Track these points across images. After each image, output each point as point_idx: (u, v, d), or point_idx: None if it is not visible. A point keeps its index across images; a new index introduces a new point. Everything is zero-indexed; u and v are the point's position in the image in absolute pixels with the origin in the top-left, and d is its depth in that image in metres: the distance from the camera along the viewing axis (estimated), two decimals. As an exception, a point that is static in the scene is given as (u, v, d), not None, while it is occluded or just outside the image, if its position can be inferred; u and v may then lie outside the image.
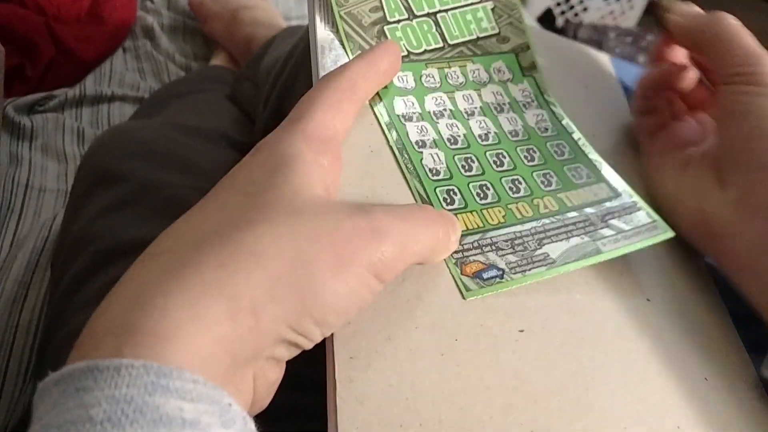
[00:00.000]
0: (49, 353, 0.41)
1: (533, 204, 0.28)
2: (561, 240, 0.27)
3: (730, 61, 0.28)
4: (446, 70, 0.32)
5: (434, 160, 0.28)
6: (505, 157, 0.29)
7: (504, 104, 0.32)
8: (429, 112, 0.30)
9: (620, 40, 1.26)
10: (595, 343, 0.25)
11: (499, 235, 0.26)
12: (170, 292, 0.17)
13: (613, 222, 0.28)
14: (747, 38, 0.29)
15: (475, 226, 0.26)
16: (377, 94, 0.29)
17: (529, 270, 0.25)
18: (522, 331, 0.24)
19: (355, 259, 0.19)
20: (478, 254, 0.25)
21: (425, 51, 0.32)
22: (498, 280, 0.25)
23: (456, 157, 0.29)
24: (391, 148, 0.28)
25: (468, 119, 0.30)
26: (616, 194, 0.29)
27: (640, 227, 0.28)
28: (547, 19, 1.40)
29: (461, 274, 0.25)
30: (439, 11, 0.32)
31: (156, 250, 0.19)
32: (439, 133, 0.29)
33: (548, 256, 0.26)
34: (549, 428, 0.22)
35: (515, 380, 0.22)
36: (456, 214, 0.26)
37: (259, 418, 0.21)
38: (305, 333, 0.19)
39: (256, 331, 0.17)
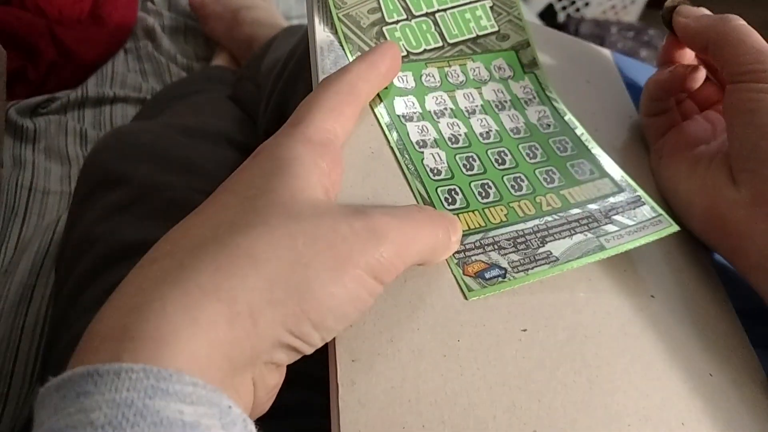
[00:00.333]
0: (54, 356, 0.41)
1: (536, 202, 0.28)
2: (564, 237, 0.26)
3: (738, 59, 0.28)
4: (446, 69, 0.32)
5: (435, 160, 0.28)
6: (506, 155, 0.29)
7: (505, 102, 0.32)
8: (430, 112, 0.30)
9: (622, 35, 1.25)
10: (598, 341, 0.25)
11: (501, 234, 0.26)
12: (168, 296, 0.17)
13: (617, 217, 0.28)
14: (755, 37, 0.28)
15: (477, 226, 0.26)
16: (377, 94, 0.29)
17: (532, 269, 0.25)
18: (525, 330, 0.24)
19: (352, 261, 0.19)
20: (480, 254, 0.25)
21: (425, 50, 0.32)
22: (500, 279, 0.25)
23: (457, 156, 0.29)
24: (391, 148, 0.28)
25: (469, 118, 0.30)
26: (620, 189, 0.29)
27: (644, 222, 0.27)
28: (548, 15, 1.39)
29: (463, 274, 0.25)
30: (438, 11, 0.32)
31: (155, 255, 0.19)
32: (440, 132, 0.29)
33: (551, 254, 0.26)
34: (553, 427, 0.22)
35: (518, 380, 0.22)
36: (457, 214, 0.26)
37: (266, 416, 0.21)
38: (303, 336, 0.18)
39: (253, 334, 0.17)
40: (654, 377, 0.24)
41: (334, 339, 0.22)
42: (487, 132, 0.30)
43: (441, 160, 0.28)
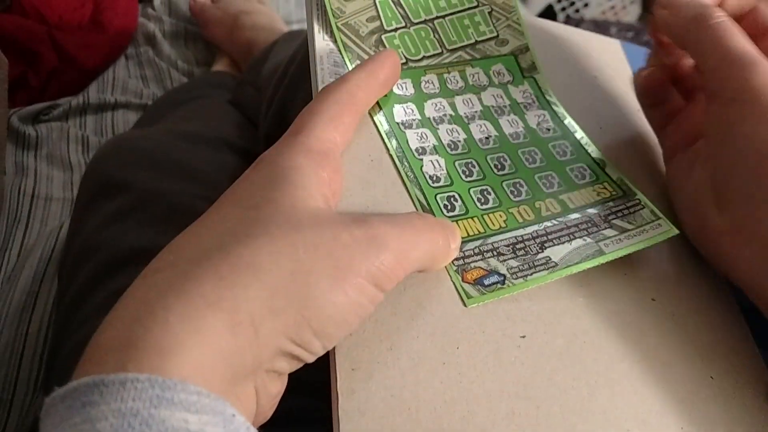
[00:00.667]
0: (58, 363, 0.41)
1: (535, 207, 0.28)
2: (563, 242, 0.27)
3: (712, 75, 0.26)
4: (445, 75, 0.32)
5: (434, 167, 0.28)
6: (506, 161, 0.29)
7: (505, 107, 0.32)
8: (429, 118, 0.30)
9: (622, 36, 1.25)
10: (598, 346, 0.25)
11: (501, 240, 0.26)
12: (171, 306, 0.17)
13: (616, 222, 0.28)
14: (735, 40, 0.26)
15: (476, 232, 0.26)
16: (377, 102, 0.29)
17: (531, 275, 0.25)
18: (524, 336, 0.24)
19: (353, 269, 0.19)
20: (479, 260, 0.25)
21: (423, 57, 0.32)
22: (499, 286, 0.25)
23: (456, 163, 0.29)
24: (391, 156, 0.28)
25: (468, 124, 0.30)
26: (619, 193, 0.29)
27: (644, 225, 0.27)
28: (547, 16, 1.39)
29: (462, 281, 0.25)
30: (436, 17, 0.32)
31: (157, 265, 0.19)
32: (439, 139, 0.29)
33: (550, 259, 0.26)
34: None
35: (517, 386, 0.23)
36: (456, 221, 0.26)
37: (268, 424, 0.21)
38: (305, 344, 0.19)
39: (255, 343, 0.17)
40: (653, 382, 0.24)
41: (333, 347, 0.22)
42: (486, 138, 0.30)
43: (440, 167, 0.28)
